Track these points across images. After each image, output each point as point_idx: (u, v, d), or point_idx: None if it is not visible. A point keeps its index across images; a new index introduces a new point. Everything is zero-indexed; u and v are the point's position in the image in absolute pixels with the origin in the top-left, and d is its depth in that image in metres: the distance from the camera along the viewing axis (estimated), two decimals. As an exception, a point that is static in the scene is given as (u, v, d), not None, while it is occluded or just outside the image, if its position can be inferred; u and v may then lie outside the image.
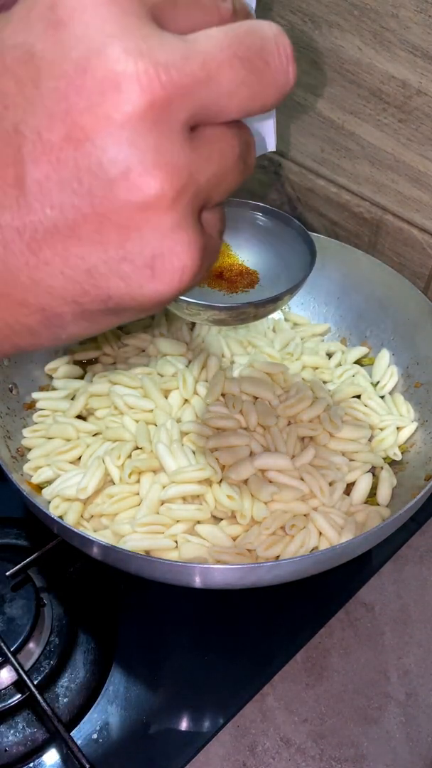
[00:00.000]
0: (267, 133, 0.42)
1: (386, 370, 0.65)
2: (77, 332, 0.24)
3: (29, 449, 0.59)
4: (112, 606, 0.56)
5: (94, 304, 0.22)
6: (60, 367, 0.65)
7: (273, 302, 0.42)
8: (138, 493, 0.54)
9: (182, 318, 0.69)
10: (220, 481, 0.54)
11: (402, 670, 0.53)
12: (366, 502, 0.56)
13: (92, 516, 0.54)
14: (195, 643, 0.54)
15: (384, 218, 0.66)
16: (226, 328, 0.70)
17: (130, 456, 0.56)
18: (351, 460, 0.58)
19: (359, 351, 0.67)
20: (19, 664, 0.49)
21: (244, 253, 0.46)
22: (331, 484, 0.55)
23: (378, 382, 0.64)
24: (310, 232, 0.46)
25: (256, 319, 0.43)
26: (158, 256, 0.21)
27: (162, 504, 0.53)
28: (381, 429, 0.60)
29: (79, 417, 0.61)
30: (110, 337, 0.67)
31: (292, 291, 0.42)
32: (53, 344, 0.24)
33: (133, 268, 0.21)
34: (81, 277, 0.21)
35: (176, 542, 0.51)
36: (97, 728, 0.49)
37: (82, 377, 0.66)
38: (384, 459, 0.58)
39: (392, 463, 0.59)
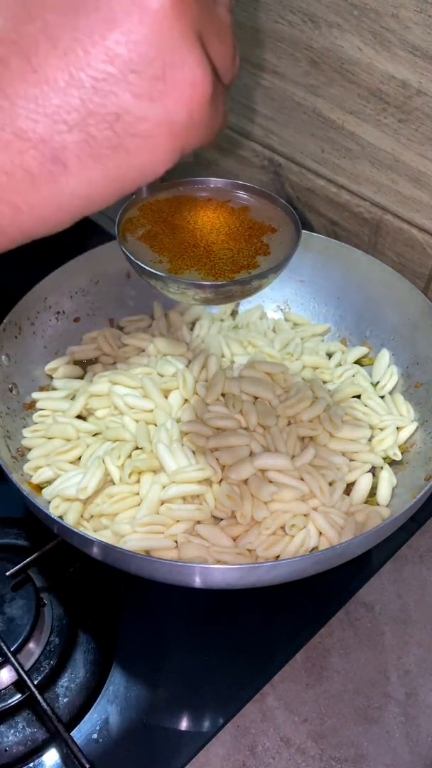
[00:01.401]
0: None
1: (386, 370, 0.65)
2: (83, 183, 0.22)
3: (29, 449, 0.59)
4: (112, 606, 0.56)
5: (100, 127, 0.21)
6: (60, 367, 0.65)
7: (258, 279, 0.41)
8: (138, 493, 0.54)
9: (182, 320, 0.69)
10: (220, 481, 0.54)
11: (402, 670, 0.53)
12: (366, 502, 0.56)
13: (92, 516, 0.54)
14: (195, 643, 0.54)
15: (384, 218, 0.66)
16: (226, 327, 0.70)
17: (130, 456, 0.56)
18: (351, 460, 0.58)
19: (359, 351, 0.67)
20: (19, 664, 0.49)
21: None
22: (331, 484, 0.55)
23: (378, 382, 0.64)
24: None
25: (243, 297, 0.43)
26: (169, 66, 0.20)
27: (162, 504, 0.53)
28: (381, 429, 0.60)
29: (79, 417, 0.61)
30: (110, 337, 0.67)
31: (276, 269, 0.42)
32: (59, 213, 0.22)
33: (143, 80, 0.20)
34: (86, 93, 0.20)
35: (176, 542, 0.51)
36: (97, 728, 0.49)
37: (82, 377, 0.66)
38: (384, 459, 0.58)
39: (392, 463, 0.59)
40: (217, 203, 0.46)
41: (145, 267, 0.41)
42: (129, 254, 0.41)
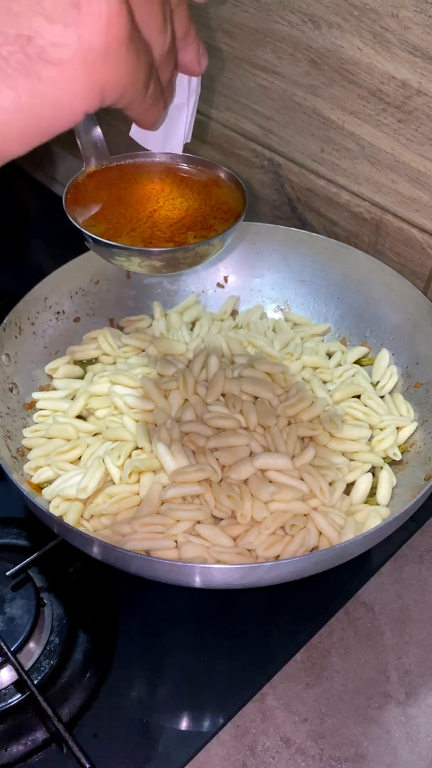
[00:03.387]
0: (180, 129, 0.44)
1: (386, 370, 0.65)
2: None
3: (29, 449, 0.59)
4: (112, 606, 0.56)
5: (11, 48, 0.20)
6: (60, 367, 0.65)
7: (204, 246, 0.43)
8: (138, 493, 0.54)
9: (182, 320, 0.69)
10: (220, 481, 0.54)
11: (402, 670, 0.53)
12: (366, 502, 0.56)
13: (92, 516, 0.54)
14: (195, 643, 0.54)
15: (384, 218, 0.66)
16: (226, 327, 0.70)
17: (130, 456, 0.56)
18: (351, 460, 0.58)
19: (359, 351, 0.67)
20: (20, 663, 0.49)
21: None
22: (331, 484, 0.55)
23: (378, 382, 0.64)
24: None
25: (192, 266, 0.45)
26: None
27: (162, 504, 0.53)
28: (381, 429, 0.60)
29: (79, 417, 0.61)
30: (110, 337, 0.67)
31: (222, 236, 0.43)
32: None
33: (57, 5, 0.20)
34: None
35: (176, 542, 0.51)
36: (97, 728, 0.49)
37: (82, 377, 0.66)
38: (384, 459, 0.58)
39: (392, 463, 0.59)
40: (165, 173, 0.47)
41: (95, 237, 0.42)
42: (77, 224, 0.43)
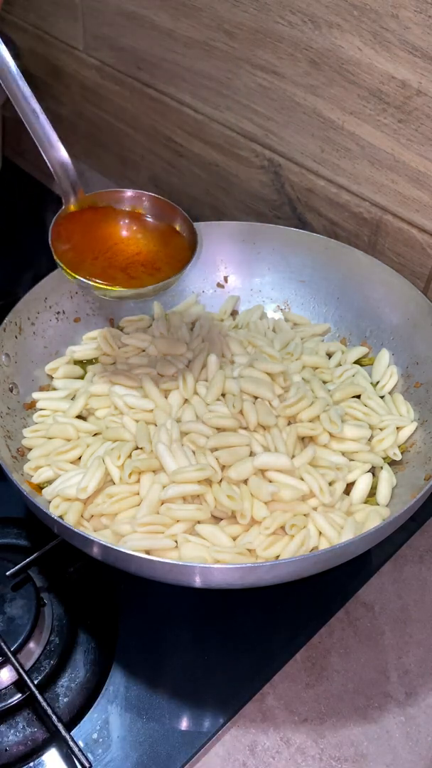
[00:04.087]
0: None
1: (386, 370, 0.65)
2: None
3: (29, 449, 0.59)
4: (112, 606, 0.56)
5: None
6: (60, 367, 0.65)
7: (148, 289, 0.53)
8: (138, 493, 0.54)
9: (182, 320, 0.70)
10: (220, 481, 0.54)
11: (402, 670, 0.53)
12: (366, 502, 0.56)
13: (92, 516, 0.54)
14: (195, 643, 0.54)
15: (384, 218, 0.66)
16: (226, 327, 0.70)
17: (130, 456, 0.56)
18: (351, 460, 0.58)
19: (359, 351, 0.67)
20: (20, 663, 0.49)
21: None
22: (331, 483, 0.55)
23: (378, 382, 0.64)
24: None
25: (137, 299, 0.56)
26: None
27: (162, 504, 0.53)
28: (381, 429, 0.60)
29: (79, 417, 0.61)
30: (110, 337, 0.67)
31: (165, 282, 0.54)
32: None
33: None
34: None
35: (176, 542, 0.51)
36: (97, 728, 0.49)
37: (82, 377, 0.66)
38: (384, 459, 0.58)
39: (392, 463, 0.59)
40: (131, 218, 0.57)
41: (76, 277, 0.53)
42: (60, 264, 0.53)
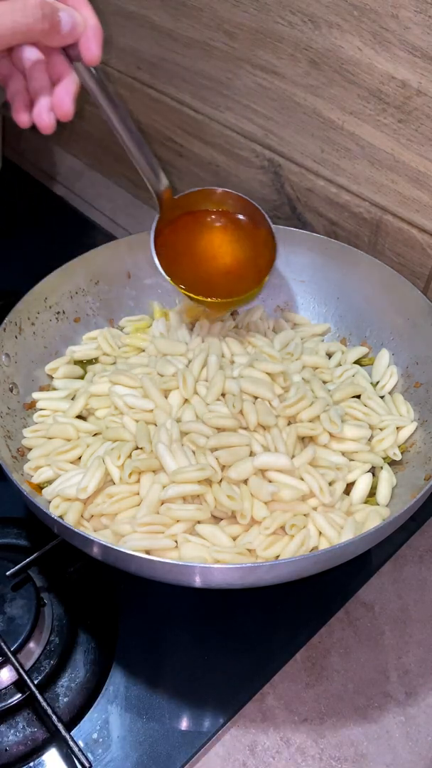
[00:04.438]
0: None
1: (386, 370, 0.65)
2: None
3: (29, 449, 0.59)
4: (112, 606, 0.56)
5: None
6: (60, 367, 0.65)
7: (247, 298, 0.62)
8: (138, 493, 0.54)
9: (182, 320, 0.70)
10: (220, 481, 0.54)
11: (402, 670, 0.53)
12: (366, 502, 0.56)
13: (92, 516, 0.54)
14: (195, 643, 0.54)
15: (384, 218, 0.66)
16: (226, 327, 0.70)
17: (130, 456, 0.56)
18: (351, 460, 0.58)
19: (359, 351, 0.67)
20: (20, 663, 0.49)
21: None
22: (331, 483, 0.55)
23: (378, 382, 0.64)
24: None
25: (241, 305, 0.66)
26: None
27: (162, 504, 0.53)
28: (381, 429, 0.60)
29: (80, 417, 0.61)
30: (110, 337, 0.67)
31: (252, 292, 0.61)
32: None
33: None
34: None
35: (176, 542, 0.51)
36: (97, 728, 0.49)
37: (82, 377, 0.66)
38: (384, 459, 0.58)
39: (392, 463, 0.59)
40: (225, 224, 0.63)
41: (173, 283, 0.59)
42: (160, 268, 0.59)
